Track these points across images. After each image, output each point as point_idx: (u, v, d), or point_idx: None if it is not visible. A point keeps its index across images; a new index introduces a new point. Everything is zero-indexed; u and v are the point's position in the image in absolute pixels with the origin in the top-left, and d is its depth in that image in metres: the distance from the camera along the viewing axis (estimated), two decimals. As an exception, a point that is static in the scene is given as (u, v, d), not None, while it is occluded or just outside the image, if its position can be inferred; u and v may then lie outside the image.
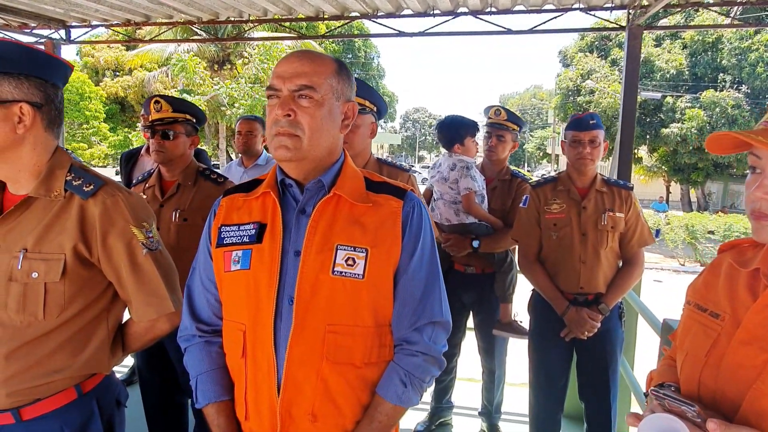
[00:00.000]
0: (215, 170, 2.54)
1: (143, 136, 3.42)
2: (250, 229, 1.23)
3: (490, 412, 3.12)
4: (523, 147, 44.44)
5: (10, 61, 1.27)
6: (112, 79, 24.72)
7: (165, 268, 1.42)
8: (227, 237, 1.25)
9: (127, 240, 1.35)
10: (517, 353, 3.12)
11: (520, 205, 2.67)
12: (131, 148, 4.05)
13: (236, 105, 16.69)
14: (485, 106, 3.09)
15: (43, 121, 1.33)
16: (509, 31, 4.42)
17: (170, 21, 4.23)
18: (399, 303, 1.22)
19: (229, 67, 20.10)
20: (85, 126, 23.02)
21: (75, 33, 4.50)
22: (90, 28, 4.39)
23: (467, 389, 3.60)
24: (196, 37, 14.81)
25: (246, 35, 7.87)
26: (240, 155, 3.58)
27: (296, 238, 1.19)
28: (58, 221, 1.31)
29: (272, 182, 1.26)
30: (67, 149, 1.50)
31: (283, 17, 4.11)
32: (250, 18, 4.03)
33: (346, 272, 1.16)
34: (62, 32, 4.44)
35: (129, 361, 3.75)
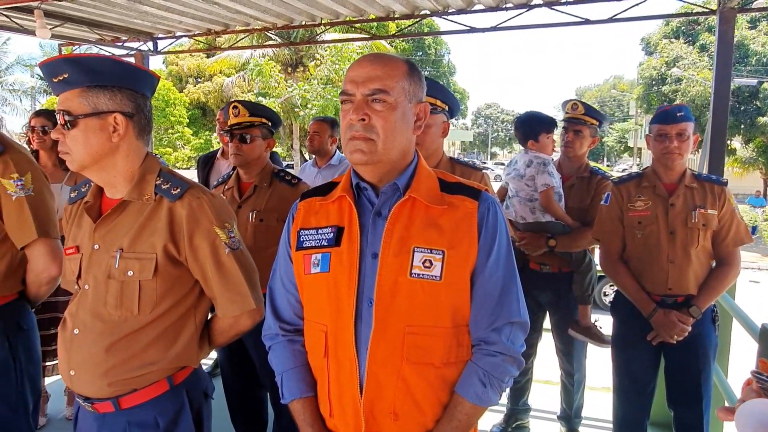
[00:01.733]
0: (289, 172, 2.61)
1: (221, 140, 3.57)
2: (328, 233, 1.26)
3: (570, 416, 3.01)
4: (603, 141, 42.61)
5: (105, 74, 1.37)
6: (194, 86, 26.08)
7: (246, 267, 1.48)
8: (306, 240, 1.28)
9: (211, 240, 1.41)
10: (599, 356, 2.99)
11: (602, 202, 2.56)
12: (208, 152, 4.26)
13: (309, 106, 17.11)
14: (561, 100, 3.00)
15: (135, 130, 1.42)
16: (587, 21, 4.24)
17: (247, 28, 4.40)
18: (476, 303, 1.22)
19: (302, 69, 20.64)
20: (170, 131, 24.44)
21: (161, 44, 4.80)
22: (174, 39, 4.66)
23: (545, 392, 3.50)
24: (270, 42, 15.31)
25: (318, 38, 8.05)
26: (313, 156, 3.67)
27: (373, 240, 1.21)
28: (150, 223, 1.40)
29: (347, 186, 1.28)
30: (155, 154, 1.59)
31: (354, 19, 4.16)
32: (322, 21, 4.12)
33: (423, 274, 1.18)
34: (150, 44, 4.74)
35: (212, 354, 3.94)
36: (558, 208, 2.78)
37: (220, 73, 23.44)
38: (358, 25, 4.66)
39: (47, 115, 3.27)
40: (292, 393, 1.30)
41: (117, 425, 1.41)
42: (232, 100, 2.56)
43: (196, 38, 4.80)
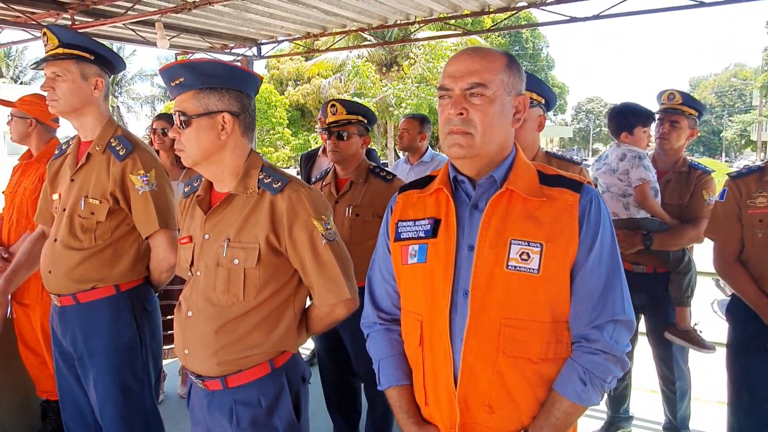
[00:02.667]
0: (384, 168, 2.67)
1: (321, 138, 3.72)
2: (425, 225, 1.28)
3: (676, 427, 2.81)
4: (720, 135, 39.08)
5: (216, 77, 1.48)
6: (294, 88, 27.23)
7: (342, 258, 1.54)
8: (404, 232, 1.32)
9: (309, 231, 1.49)
10: (710, 364, 2.77)
11: (717, 198, 2.36)
12: (310, 149, 4.44)
13: (403, 105, 17.26)
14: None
15: (240, 128, 1.52)
16: (702, 4, 3.91)
17: (344, 30, 4.53)
18: (577, 299, 1.19)
19: (396, 68, 20.89)
20: (271, 132, 25.71)
21: (264, 49, 5.07)
22: (276, 44, 4.92)
23: (649, 400, 3.30)
24: (366, 43, 15.64)
25: (412, 36, 8.10)
26: (406, 153, 3.71)
27: (470, 232, 1.22)
28: (254, 215, 1.49)
29: (445, 179, 1.30)
30: (257, 153, 1.70)
31: (449, 15, 4.15)
32: (417, 19, 4.14)
33: (520, 267, 1.17)
34: (254, 49, 5.02)
35: (310, 344, 4.11)
36: (655, 203, 2.62)
37: (318, 75, 24.28)
38: (452, 21, 4.65)
39: (167, 118, 3.58)
40: (388, 380, 1.35)
41: (224, 402, 1.52)
42: (331, 99, 2.66)
43: (296, 42, 5.02)
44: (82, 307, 2.01)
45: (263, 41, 4.91)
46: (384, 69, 21.48)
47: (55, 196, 2.13)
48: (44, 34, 1.97)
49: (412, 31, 5.83)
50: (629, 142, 2.71)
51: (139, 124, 35.56)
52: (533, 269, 1.16)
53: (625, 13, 4.13)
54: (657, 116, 2.78)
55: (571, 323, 1.20)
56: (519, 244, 1.18)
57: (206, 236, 1.53)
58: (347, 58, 19.15)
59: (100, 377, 2.01)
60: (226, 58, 5.26)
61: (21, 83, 32.75)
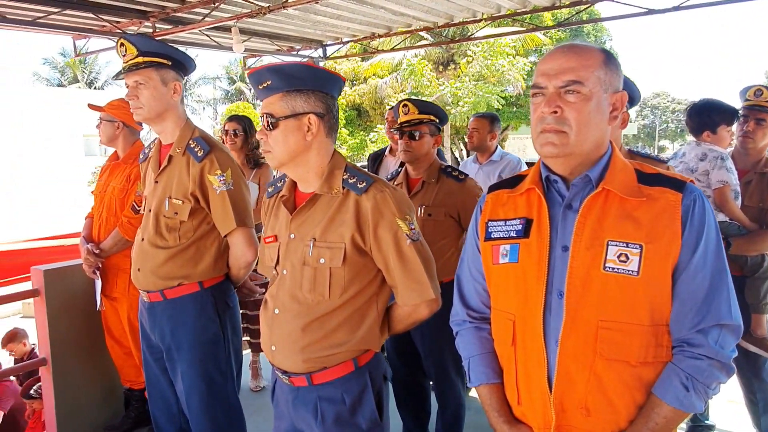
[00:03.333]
0: (457, 168, 2.65)
1: (391, 138, 3.73)
2: (516, 224, 1.27)
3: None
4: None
5: (301, 79, 1.51)
6: (351, 89, 27.49)
7: (425, 258, 1.54)
8: (494, 231, 1.31)
9: (394, 231, 1.50)
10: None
11: None
12: (377, 149, 4.47)
13: (461, 104, 17.10)
14: (746, 86, 2.66)
15: (325, 129, 1.55)
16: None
17: (408, 30, 4.54)
18: (678, 302, 1.15)
19: (453, 67, 20.68)
20: (329, 132, 25.98)
21: (329, 50, 5.14)
22: (341, 45, 4.98)
23: (733, 411, 3.12)
24: (423, 42, 15.60)
25: (471, 35, 8.01)
26: (474, 152, 3.67)
27: (563, 233, 1.21)
28: (339, 214, 1.52)
29: (536, 178, 1.28)
30: (340, 153, 1.72)
31: (518, 11, 4.07)
32: (483, 16, 4.09)
33: (618, 268, 1.14)
34: (320, 51, 5.11)
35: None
36: (735, 207, 2.48)
37: (374, 75, 24.38)
38: (518, 18, 4.55)
39: (238, 120, 3.69)
40: (479, 378, 1.35)
41: (309, 398, 1.55)
42: (403, 98, 2.67)
43: (360, 42, 5.07)
44: (169, 303, 2.11)
45: (328, 42, 4.99)
46: (440, 67, 21.32)
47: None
48: (121, 45, 2.04)
49: (471, 31, 5.73)
50: (711, 141, 2.58)
51: (202, 126, 36.79)
52: (632, 271, 1.13)
53: (707, 3, 3.92)
54: (741, 113, 2.63)
55: (673, 327, 1.16)
56: (617, 245, 1.15)
57: (292, 236, 1.56)
58: (403, 57, 19.14)
59: (186, 370, 2.10)
60: (291, 59, 5.39)
61: (95, 88, 34.72)
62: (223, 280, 2.19)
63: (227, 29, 4.18)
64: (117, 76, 2.09)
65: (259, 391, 3.69)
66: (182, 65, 2.13)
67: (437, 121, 2.61)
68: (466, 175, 2.58)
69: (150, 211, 2.13)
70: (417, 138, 2.54)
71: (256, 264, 2.18)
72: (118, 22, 3.82)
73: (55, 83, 36.06)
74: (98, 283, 2.97)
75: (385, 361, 1.67)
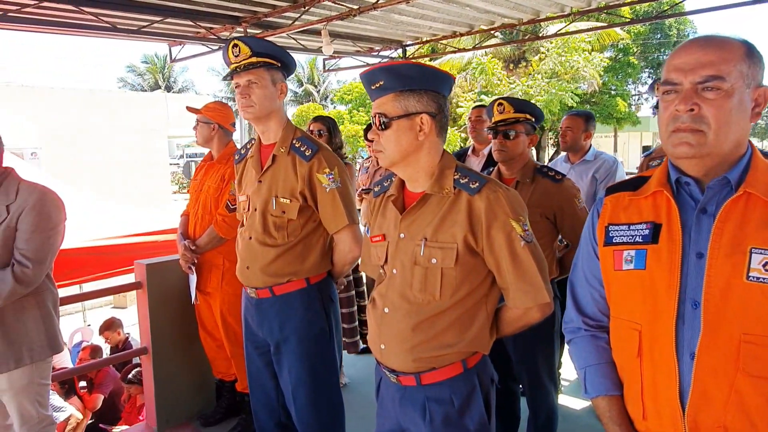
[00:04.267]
0: (553, 168, 2.57)
1: (475, 137, 3.68)
2: (642, 229, 1.21)
3: None
4: None
5: (414, 79, 1.50)
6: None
7: (539, 260, 1.50)
8: (617, 236, 1.25)
9: (507, 232, 1.46)
10: None
11: None
12: (459, 149, 4.42)
13: (533, 102, 16.70)
14: None
15: (436, 128, 1.54)
16: None
17: (492, 27, 4.46)
18: None
19: (525, 64, 20.22)
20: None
21: (409, 50, 5.15)
22: (421, 44, 4.97)
23: None
24: (493, 41, 15.35)
25: (543, 32, 7.77)
26: (565, 152, 3.55)
27: (697, 239, 1.13)
28: (450, 215, 1.50)
29: (664, 180, 1.21)
30: (449, 153, 1.70)
31: (610, 4, 3.91)
32: (573, 10, 3.95)
33: (764, 278, 1.05)
34: (399, 51, 5.12)
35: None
36: None
37: (443, 74, 24.17)
38: (598, 14, 4.37)
39: (323, 120, 3.76)
40: (596, 389, 1.29)
41: (417, 398, 1.54)
42: (497, 97, 2.62)
43: (441, 41, 5.05)
44: (278, 299, 2.16)
45: (408, 42, 5.00)
46: (511, 65, 20.90)
47: (242, 198, 2.30)
48: (235, 45, 2.11)
49: (544, 27, 5.56)
50: None
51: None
52: None
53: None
54: None
55: None
56: (763, 254, 1.06)
57: (401, 235, 1.56)
58: (473, 56, 18.90)
59: (293, 364, 2.15)
60: (371, 60, 5.44)
61: (172, 92, 36.58)
62: (327, 276, 2.23)
63: (313, 32, 4.27)
64: (227, 76, 2.17)
65: (341, 388, 3.74)
66: (288, 67, 2.18)
67: (533, 119, 2.55)
68: (563, 176, 2.50)
69: (256, 210, 2.19)
70: (512, 137, 2.49)
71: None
72: (211, 28, 3.98)
73: (138, 88, 38.33)
74: (193, 278, 3.10)
75: (491, 365, 1.64)
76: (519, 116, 2.49)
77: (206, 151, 3.40)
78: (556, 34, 7.40)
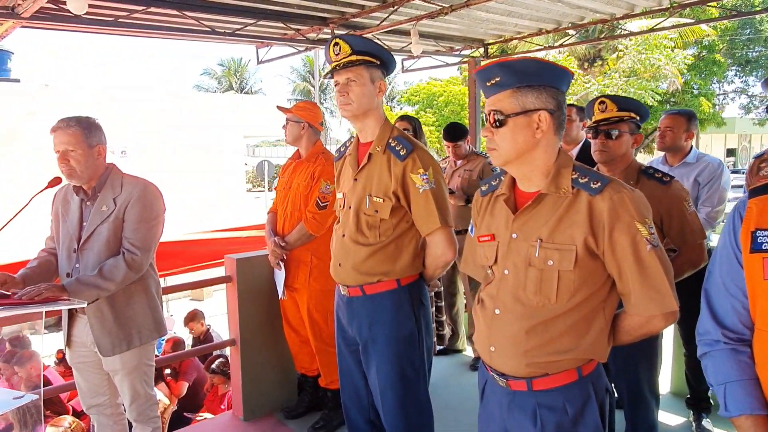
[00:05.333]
0: (660, 169, 2.44)
1: (576, 137, 3.55)
2: None
3: None
4: None
5: (532, 75, 1.45)
6: (487, 89, 27.00)
7: (666, 265, 1.41)
8: (766, 242, 1.16)
9: (632, 235, 1.39)
10: None
11: None
12: None
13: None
14: None
15: (554, 126, 1.48)
16: None
17: (581, 23, 4.30)
18: None
19: (600, 63, 19.49)
20: (464, 133, 25.82)
21: (490, 49, 5.06)
22: (504, 42, 4.87)
23: None
24: (571, 40, 14.86)
25: (621, 30, 7.42)
26: (663, 153, 3.36)
27: None
28: (568, 215, 1.44)
29: None
30: (565, 151, 1.63)
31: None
32: (671, 5, 3.74)
33: None
34: (481, 50, 5.05)
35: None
36: None
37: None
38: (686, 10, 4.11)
39: (408, 119, 3.76)
40: (739, 407, 1.20)
41: (527, 404, 1.49)
42: (599, 95, 2.51)
43: (525, 39, 4.94)
44: (368, 298, 2.16)
45: (489, 41, 4.91)
46: (585, 65, 20.20)
47: (339, 195, 2.32)
48: (335, 44, 2.12)
49: (621, 24, 5.30)
50: None
51: (340, 129, 38.71)
52: None
53: None
54: None
55: None
56: None
57: (514, 235, 1.51)
58: (546, 55, 18.40)
59: (381, 365, 2.14)
60: (451, 60, 5.40)
61: (245, 93, 37.93)
62: (418, 279, 2.21)
63: (398, 32, 4.28)
64: (327, 75, 2.19)
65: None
66: (387, 65, 2.18)
67: (638, 118, 2.42)
68: (671, 177, 2.36)
69: (350, 208, 2.19)
70: (614, 137, 2.37)
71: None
72: (299, 29, 4.07)
73: (213, 91, 40.03)
74: (281, 274, 3.17)
75: (605, 374, 1.56)
76: (623, 115, 2.38)
77: (275, 150, 3.46)
78: (637, 32, 7.04)
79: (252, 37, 4.04)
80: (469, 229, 1.76)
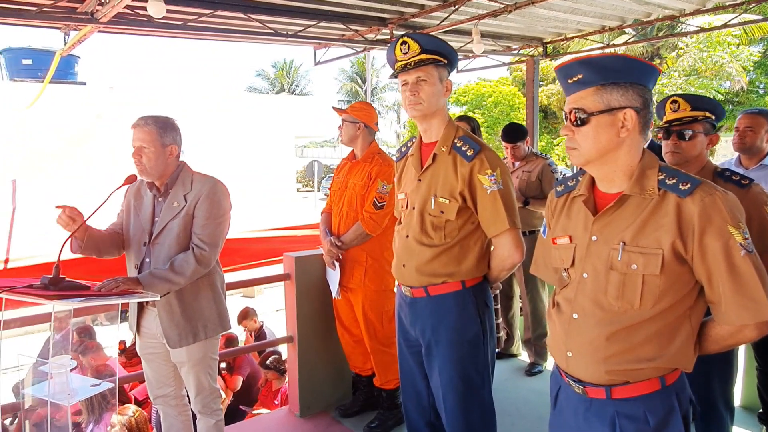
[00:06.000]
0: (737, 171, 2.32)
1: (656, 138, 3.43)
2: None
3: None
4: None
5: (618, 71, 1.40)
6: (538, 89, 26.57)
7: (761, 272, 1.33)
8: None
9: (725, 240, 1.32)
10: None
11: None
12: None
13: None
14: None
15: (640, 124, 1.42)
16: None
17: (648, 20, 4.15)
18: None
19: (659, 61, 18.79)
20: (513, 134, 25.44)
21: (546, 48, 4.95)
22: (564, 41, 4.76)
23: None
24: (629, 38, 14.40)
25: (682, 28, 7.08)
26: (738, 154, 3.20)
27: None
28: (654, 218, 1.38)
29: None
30: (649, 151, 1.57)
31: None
32: (746, -1, 3.56)
33: None
34: (540, 49, 4.94)
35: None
36: None
37: (564, 74, 23.18)
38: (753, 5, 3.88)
39: (467, 120, 3.73)
40: None
41: (605, 412, 1.44)
42: (672, 94, 2.40)
43: (587, 38, 4.81)
44: (432, 299, 2.14)
45: (549, 40, 4.80)
46: (642, 63, 19.50)
47: (401, 195, 2.31)
48: (404, 43, 2.10)
49: (681, 21, 5.06)
50: None
51: (386, 130, 38.85)
52: None
53: None
54: None
55: None
56: None
57: (593, 238, 1.46)
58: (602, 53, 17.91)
59: (444, 367, 2.12)
60: (506, 59, 5.31)
61: (294, 93, 38.59)
62: (483, 280, 2.17)
63: (456, 32, 4.25)
64: (392, 76, 2.18)
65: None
66: (453, 64, 2.15)
67: (713, 118, 2.31)
68: (751, 180, 2.24)
69: (414, 208, 2.18)
70: (688, 138, 2.27)
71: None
72: (357, 30, 4.10)
73: (265, 92, 40.91)
74: (336, 274, 3.18)
75: (689, 384, 1.49)
76: (697, 114, 2.27)
77: (322, 151, 3.48)
78: (704, 29, 6.72)
79: (312, 39, 4.09)
80: (542, 230, 1.72)
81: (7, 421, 4.29)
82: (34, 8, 3.16)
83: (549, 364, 3.96)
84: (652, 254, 1.36)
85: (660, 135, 2.42)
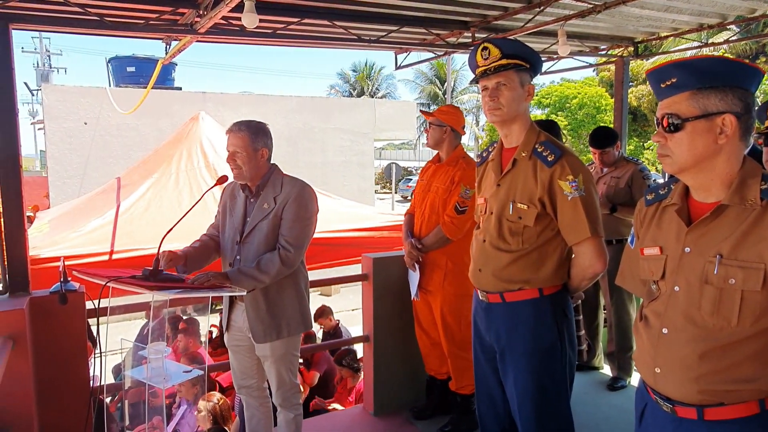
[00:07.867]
0: None
1: (756, 143, 3.21)
2: None
3: None
4: None
5: (717, 74, 1.33)
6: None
7: None
8: None
9: None
10: None
11: None
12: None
13: (774, 102, 14.23)
14: None
15: (740, 131, 1.34)
16: None
17: (752, 17, 3.85)
18: None
19: (765, 59, 17.36)
20: (598, 138, 24.40)
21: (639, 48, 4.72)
22: (657, 40, 4.51)
23: None
24: (728, 36, 13.39)
25: None
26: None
27: None
28: (756, 230, 1.30)
29: None
30: (751, 159, 1.47)
31: None
32: None
33: None
34: (630, 49, 4.72)
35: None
36: None
37: (657, 74, 21.91)
38: None
39: (548, 125, 3.62)
40: None
41: None
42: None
43: (684, 36, 4.55)
44: (508, 306, 2.12)
45: (640, 39, 4.58)
46: (746, 61, 18.07)
47: (480, 200, 2.29)
48: (484, 48, 2.09)
49: None
50: None
51: (467, 136, 38.53)
52: None
53: None
54: None
55: None
56: None
57: (687, 249, 1.39)
58: (698, 52, 16.76)
59: (519, 376, 2.09)
60: (592, 60, 5.13)
61: (373, 97, 39.14)
62: (562, 289, 2.12)
63: (540, 33, 4.15)
64: (473, 81, 2.17)
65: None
66: (535, 68, 2.11)
67: (824, 123, 2.12)
68: None
69: (492, 213, 2.16)
70: (795, 144, 2.10)
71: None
72: (438, 34, 4.11)
73: (346, 94, 41.82)
74: (416, 276, 3.20)
75: None
76: (806, 119, 2.10)
77: (400, 153, 3.49)
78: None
79: (394, 44, 4.14)
80: (629, 240, 1.65)
81: (108, 399, 4.67)
82: (142, 21, 3.44)
83: (633, 379, 3.77)
84: (753, 269, 1.28)
85: (761, 141, 2.25)
